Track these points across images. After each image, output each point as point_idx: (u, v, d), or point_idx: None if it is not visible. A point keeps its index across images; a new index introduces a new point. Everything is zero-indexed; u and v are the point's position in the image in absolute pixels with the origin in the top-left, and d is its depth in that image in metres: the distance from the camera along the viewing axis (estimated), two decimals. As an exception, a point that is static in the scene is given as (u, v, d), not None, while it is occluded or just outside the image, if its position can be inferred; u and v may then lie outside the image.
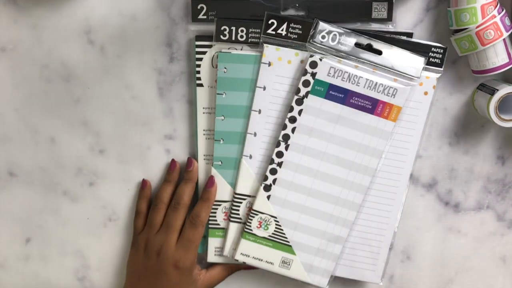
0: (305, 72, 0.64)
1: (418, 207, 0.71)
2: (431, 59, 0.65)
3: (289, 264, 0.68)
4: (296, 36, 0.65)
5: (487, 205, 0.71)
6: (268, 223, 0.67)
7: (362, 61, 0.64)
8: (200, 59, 0.67)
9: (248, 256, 0.68)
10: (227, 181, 0.68)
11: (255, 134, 0.67)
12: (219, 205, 0.69)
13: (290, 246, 0.68)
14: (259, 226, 0.67)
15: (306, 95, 0.65)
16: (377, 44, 0.64)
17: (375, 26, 0.66)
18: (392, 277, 0.73)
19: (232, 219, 0.68)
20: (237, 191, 0.68)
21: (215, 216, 0.69)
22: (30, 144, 0.71)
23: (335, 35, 0.64)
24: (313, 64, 0.64)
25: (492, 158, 0.70)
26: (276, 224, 0.67)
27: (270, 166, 0.66)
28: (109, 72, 0.69)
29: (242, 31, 0.65)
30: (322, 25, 0.64)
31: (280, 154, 0.66)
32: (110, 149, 0.70)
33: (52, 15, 0.67)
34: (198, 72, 0.67)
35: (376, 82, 0.64)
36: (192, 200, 0.69)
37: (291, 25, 0.65)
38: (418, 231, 0.72)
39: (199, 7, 0.66)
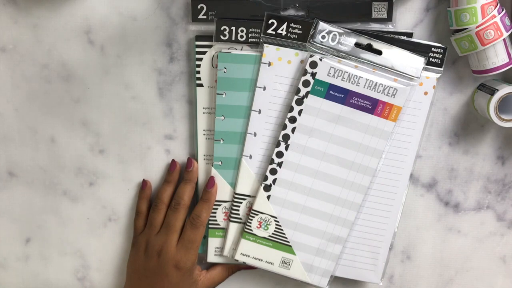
0: (305, 72, 0.64)
1: (418, 207, 0.71)
2: (431, 59, 0.65)
3: (289, 264, 0.68)
4: (296, 36, 0.65)
5: (487, 205, 0.71)
6: (268, 223, 0.67)
7: (362, 61, 0.64)
8: (200, 59, 0.67)
9: (248, 256, 0.68)
10: (227, 181, 0.68)
11: (255, 134, 0.67)
12: (219, 205, 0.69)
13: (290, 246, 0.68)
14: (259, 226, 0.67)
15: (306, 95, 0.65)
16: (377, 44, 0.64)
17: (375, 26, 0.66)
18: (392, 277, 0.73)
19: (232, 219, 0.68)
20: (237, 191, 0.68)
21: (215, 216, 0.69)
22: (30, 144, 0.71)
23: (335, 35, 0.64)
24: (313, 64, 0.64)
25: (492, 158, 0.70)
26: (276, 224, 0.67)
27: (270, 166, 0.66)
28: (109, 72, 0.69)
29: (242, 31, 0.65)
30: (322, 25, 0.64)
31: (280, 154, 0.66)
32: (110, 149, 0.70)
33: (52, 15, 0.67)
34: (198, 72, 0.67)
35: (376, 82, 0.64)
36: (192, 201, 0.69)
37: (291, 25, 0.65)
38: (418, 231, 0.72)
39: (199, 7, 0.66)
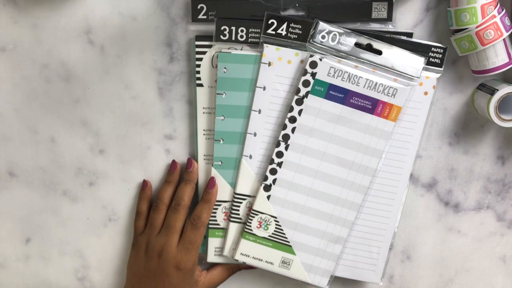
0: (305, 72, 0.64)
1: (418, 207, 0.71)
2: (431, 59, 0.65)
3: (289, 264, 0.68)
4: (296, 36, 0.65)
5: (487, 205, 0.71)
6: (268, 223, 0.67)
7: (362, 61, 0.64)
8: (200, 59, 0.67)
9: (248, 256, 0.68)
10: (227, 181, 0.68)
11: (255, 134, 0.67)
12: (219, 205, 0.69)
13: (290, 246, 0.68)
14: (259, 226, 0.67)
15: (306, 95, 0.65)
16: (377, 44, 0.64)
17: (375, 26, 0.66)
18: (392, 277, 0.73)
19: (232, 219, 0.68)
20: (237, 191, 0.68)
21: (215, 216, 0.69)
22: (30, 144, 0.71)
23: (335, 35, 0.64)
24: (313, 64, 0.64)
25: (492, 158, 0.70)
26: (276, 224, 0.67)
27: (270, 166, 0.66)
28: (109, 72, 0.69)
29: (242, 31, 0.65)
30: (322, 25, 0.64)
31: (280, 154, 0.66)
32: (110, 149, 0.70)
33: (52, 15, 0.67)
34: (198, 72, 0.67)
35: (376, 82, 0.64)
36: (193, 201, 0.69)
37: (291, 25, 0.65)
38: (418, 231, 0.72)
39: (199, 7, 0.66)
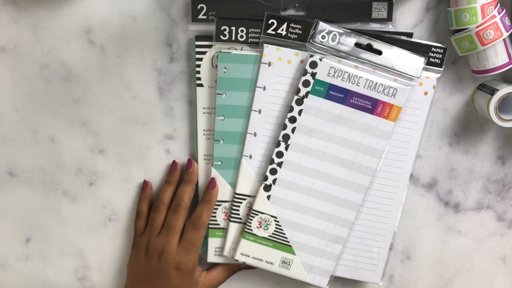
0: (305, 72, 0.64)
1: (418, 207, 0.71)
2: (431, 59, 0.65)
3: (289, 264, 0.68)
4: (296, 36, 0.65)
5: (487, 205, 0.71)
6: (268, 223, 0.67)
7: (362, 61, 0.64)
8: (200, 59, 0.67)
9: (248, 256, 0.68)
10: (227, 181, 0.68)
11: (255, 134, 0.67)
12: (219, 205, 0.69)
13: (290, 246, 0.68)
14: (259, 226, 0.67)
15: (306, 95, 0.65)
16: (377, 44, 0.64)
17: (375, 26, 0.66)
18: (392, 277, 0.73)
19: (232, 219, 0.68)
20: (237, 191, 0.68)
21: (215, 216, 0.69)
22: (30, 144, 0.71)
23: (335, 35, 0.64)
24: (313, 64, 0.64)
25: (492, 158, 0.70)
26: (276, 224, 0.67)
27: (270, 166, 0.66)
28: (109, 72, 0.69)
29: (242, 31, 0.65)
30: (322, 25, 0.64)
31: (280, 154, 0.66)
32: (110, 149, 0.70)
33: (52, 15, 0.67)
34: (198, 72, 0.67)
35: (376, 82, 0.64)
36: (193, 201, 0.69)
37: (291, 25, 0.65)
38: (418, 231, 0.72)
39: (199, 7, 0.66)
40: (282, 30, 0.65)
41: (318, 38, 0.64)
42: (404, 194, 0.68)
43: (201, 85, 0.67)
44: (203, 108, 0.68)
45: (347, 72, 0.64)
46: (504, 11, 0.62)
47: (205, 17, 0.66)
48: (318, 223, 0.67)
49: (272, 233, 0.67)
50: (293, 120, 0.65)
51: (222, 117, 0.67)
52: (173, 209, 0.68)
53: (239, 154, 0.67)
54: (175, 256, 0.67)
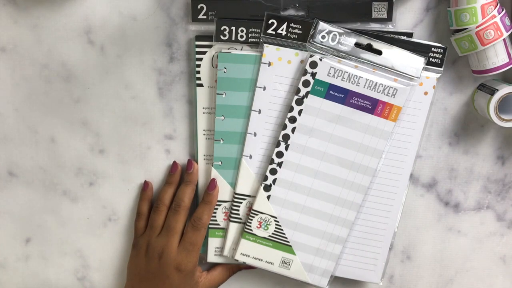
0: (305, 72, 0.64)
1: (418, 207, 0.71)
2: (431, 59, 0.65)
3: (289, 264, 0.68)
4: (296, 36, 0.65)
5: (487, 205, 0.71)
6: (268, 223, 0.67)
7: (362, 61, 0.64)
8: (200, 59, 0.67)
9: (248, 256, 0.68)
10: (227, 181, 0.68)
11: (255, 134, 0.67)
12: (219, 205, 0.69)
13: (290, 246, 0.68)
14: (259, 226, 0.67)
15: (306, 95, 0.65)
16: (377, 44, 0.64)
17: (375, 26, 0.66)
18: (392, 277, 0.73)
19: (232, 219, 0.68)
20: (237, 191, 0.68)
21: (215, 216, 0.69)
22: (30, 144, 0.71)
23: (335, 35, 0.64)
24: (313, 64, 0.64)
25: (492, 158, 0.70)
26: (276, 224, 0.67)
27: (270, 166, 0.66)
28: (109, 72, 0.69)
29: (242, 31, 0.65)
30: (322, 25, 0.64)
31: (280, 154, 0.66)
32: (110, 149, 0.70)
33: (52, 15, 0.67)
34: (198, 72, 0.67)
35: (376, 82, 0.64)
36: (193, 202, 0.69)
37: (291, 25, 0.65)
38: (418, 231, 0.72)
39: (199, 7, 0.66)
40: (282, 30, 0.65)
41: (318, 38, 0.64)
42: (404, 194, 0.68)
43: (201, 85, 0.67)
44: (203, 108, 0.68)
45: (347, 72, 0.64)
46: (504, 11, 0.62)
47: (205, 17, 0.66)
48: (318, 223, 0.67)
49: (272, 233, 0.67)
50: (293, 120, 0.65)
51: (222, 117, 0.67)
52: (173, 210, 0.68)
53: (239, 154, 0.67)
54: (176, 257, 0.67)
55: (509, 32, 0.62)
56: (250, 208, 0.68)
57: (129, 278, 0.70)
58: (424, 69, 0.65)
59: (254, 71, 0.66)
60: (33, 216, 0.73)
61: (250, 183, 0.68)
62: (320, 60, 0.64)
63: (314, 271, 0.68)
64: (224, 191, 0.68)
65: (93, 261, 0.74)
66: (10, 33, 0.68)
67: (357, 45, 0.64)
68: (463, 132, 0.69)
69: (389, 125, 0.65)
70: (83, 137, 0.70)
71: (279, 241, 0.68)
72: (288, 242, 0.68)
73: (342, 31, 0.64)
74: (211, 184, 0.68)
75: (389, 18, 0.66)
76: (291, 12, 0.66)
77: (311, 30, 0.64)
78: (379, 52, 0.64)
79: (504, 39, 0.62)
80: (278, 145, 0.66)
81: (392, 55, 0.64)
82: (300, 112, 0.65)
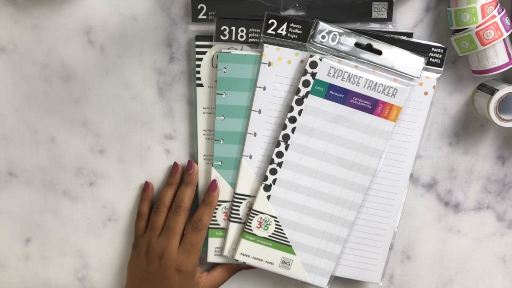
0: (305, 72, 0.64)
1: (418, 207, 0.71)
2: (431, 59, 0.65)
3: (289, 264, 0.68)
4: (296, 36, 0.65)
5: (487, 205, 0.71)
6: (268, 223, 0.67)
7: (362, 61, 0.64)
8: (200, 59, 0.67)
9: (248, 256, 0.68)
10: (227, 181, 0.68)
11: (255, 134, 0.67)
12: (219, 205, 0.69)
13: (290, 246, 0.68)
14: (259, 226, 0.67)
15: (306, 95, 0.65)
16: (377, 44, 0.64)
17: (375, 26, 0.66)
18: (392, 277, 0.73)
19: (232, 219, 0.68)
20: (237, 191, 0.68)
21: (215, 216, 0.69)
22: (30, 144, 0.71)
23: (335, 35, 0.64)
24: (313, 64, 0.64)
25: (492, 158, 0.70)
26: (276, 224, 0.67)
27: (270, 166, 0.66)
28: (109, 72, 0.69)
29: (242, 31, 0.65)
30: (322, 25, 0.64)
31: (280, 154, 0.66)
32: (110, 149, 0.70)
33: (52, 15, 0.67)
34: (198, 72, 0.67)
35: (376, 82, 0.64)
36: (193, 203, 0.69)
37: (291, 25, 0.65)
38: (418, 231, 0.72)
39: (199, 7, 0.66)
40: (282, 30, 0.65)
41: (318, 38, 0.64)
42: (404, 194, 0.68)
43: (201, 85, 0.67)
44: (203, 108, 0.68)
45: (347, 72, 0.64)
46: (504, 11, 0.62)
47: (205, 17, 0.66)
48: (318, 223, 0.67)
49: (272, 233, 0.67)
50: (293, 120, 0.65)
51: (222, 117, 0.67)
52: (174, 211, 0.68)
53: (239, 154, 0.67)
54: (176, 258, 0.67)
55: (509, 32, 0.62)
56: (250, 208, 0.68)
57: (129, 279, 0.70)
58: (424, 69, 0.65)
59: (254, 71, 0.66)
60: (33, 216, 0.73)
61: (250, 183, 0.68)
62: (320, 60, 0.64)
63: (314, 271, 0.68)
64: (224, 191, 0.68)
65: (93, 261, 0.74)
66: (10, 33, 0.68)
67: (357, 45, 0.64)
68: (463, 132, 0.69)
69: (389, 125, 0.65)
70: (83, 137, 0.70)
71: (279, 241, 0.68)
72: (288, 242, 0.68)
73: (342, 31, 0.64)
74: (212, 185, 0.68)
75: (389, 18, 0.66)
76: (291, 12, 0.66)
77: (311, 30, 0.64)
78: (379, 52, 0.64)
79: (504, 39, 0.62)
80: (278, 145, 0.66)
81: (392, 55, 0.64)
82: (300, 112, 0.65)
